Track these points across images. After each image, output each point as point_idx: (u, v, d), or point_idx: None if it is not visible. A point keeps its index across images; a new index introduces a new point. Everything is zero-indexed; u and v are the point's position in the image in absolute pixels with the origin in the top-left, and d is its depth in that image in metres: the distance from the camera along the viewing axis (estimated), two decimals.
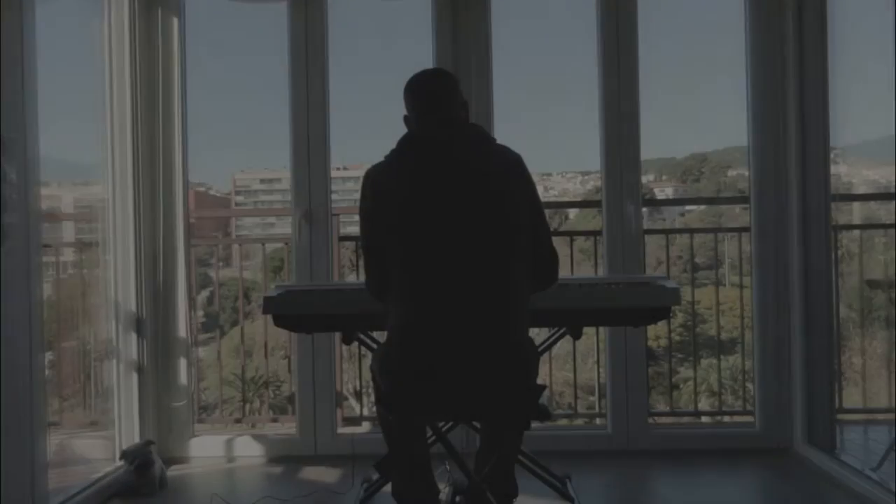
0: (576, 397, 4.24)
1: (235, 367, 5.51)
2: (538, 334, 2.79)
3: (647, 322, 2.73)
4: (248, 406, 10.55)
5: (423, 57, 3.62)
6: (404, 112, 2.28)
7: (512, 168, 2.17)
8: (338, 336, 3.49)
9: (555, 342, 2.79)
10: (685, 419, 4.39)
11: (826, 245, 3.39)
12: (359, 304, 2.49)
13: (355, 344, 2.76)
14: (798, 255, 3.44)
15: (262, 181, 21.58)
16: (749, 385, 3.96)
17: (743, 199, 3.82)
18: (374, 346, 2.68)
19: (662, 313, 2.62)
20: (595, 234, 4.32)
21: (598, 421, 4.13)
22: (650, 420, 3.66)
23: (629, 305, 2.62)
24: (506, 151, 2.21)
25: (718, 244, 4.93)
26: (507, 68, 3.81)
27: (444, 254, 2.08)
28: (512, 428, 2.24)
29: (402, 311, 2.12)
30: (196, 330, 3.78)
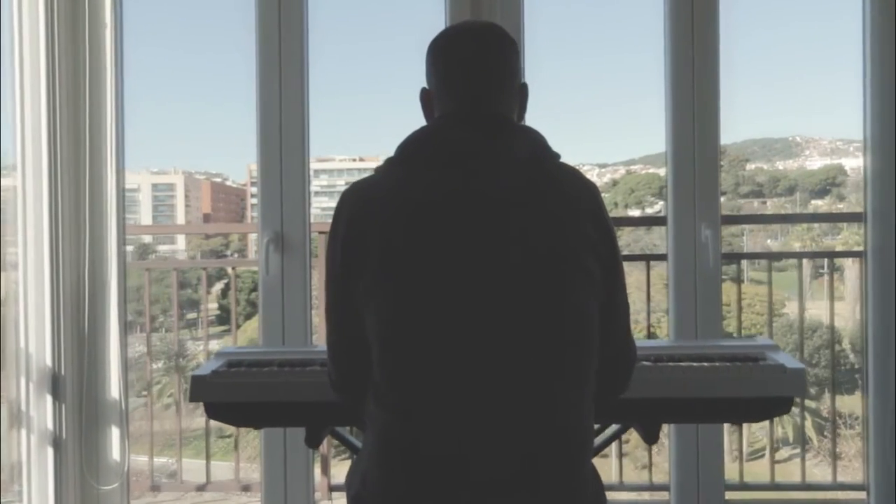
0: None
1: None
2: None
3: (758, 419, 1.85)
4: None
5: None
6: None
7: (582, 206, 1.32)
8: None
9: (610, 441, 1.92)
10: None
11: None
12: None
13: None
14: None
15: None
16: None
17: (855, 217, 2.92)
18: (357, 445, 1.83)
19: (781, 407, 1.75)
20: (649, 258, 3.52)
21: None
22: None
23: (730, 395, 1.74)
24: (574, 178, 1.35)
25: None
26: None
27: (461, 332, 1.24)
28: None
29: (386, 420, 1.29)
30: (129, 390, 2.95)
